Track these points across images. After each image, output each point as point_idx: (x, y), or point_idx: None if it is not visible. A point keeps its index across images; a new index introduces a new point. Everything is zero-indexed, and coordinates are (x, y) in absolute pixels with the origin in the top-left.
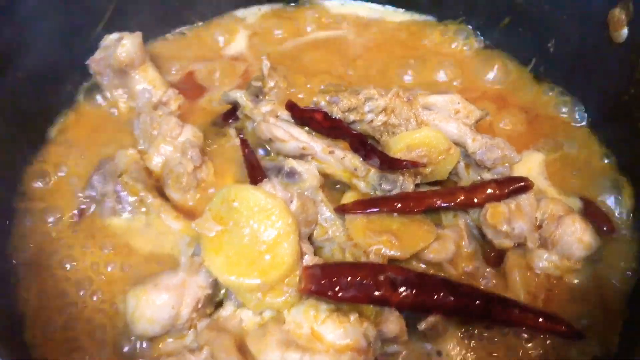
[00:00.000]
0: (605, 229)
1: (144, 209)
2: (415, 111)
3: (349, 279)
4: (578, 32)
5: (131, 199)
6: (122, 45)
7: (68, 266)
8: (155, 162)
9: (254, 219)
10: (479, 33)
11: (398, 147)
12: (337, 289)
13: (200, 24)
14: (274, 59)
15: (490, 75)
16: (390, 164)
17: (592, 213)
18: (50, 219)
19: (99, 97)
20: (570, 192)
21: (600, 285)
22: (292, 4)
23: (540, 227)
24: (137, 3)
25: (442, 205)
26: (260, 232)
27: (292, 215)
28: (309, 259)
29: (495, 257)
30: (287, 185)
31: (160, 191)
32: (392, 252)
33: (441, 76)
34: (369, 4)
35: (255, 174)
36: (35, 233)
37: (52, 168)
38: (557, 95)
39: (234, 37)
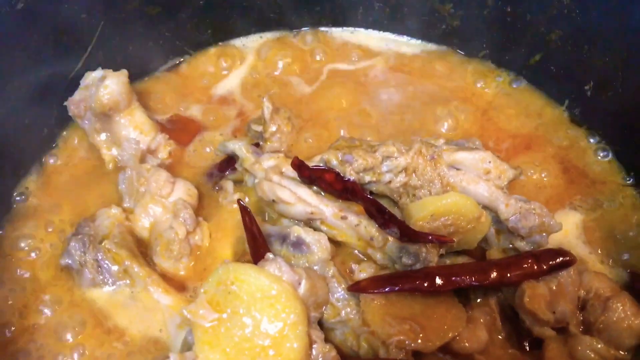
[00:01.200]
0: None
1: (128, 281)
2: (439, 171)
3: None
4: (622, 77)
5: (114, 268)
6: (105, 86)
7: (38, 350)
8: (143, 223)
9: (255, 307)
10: (504, 69)
11: (421, 214)
12: None
13: (193, 55)
14: (277, 98)
15: (518, 116)
16: (412, 238)
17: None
18: (20, 287)
19: (78, 143)
20: (613, 260)
21: None
22: (296, 31)
23: (583, 308)
24: (123, 34)
25: (473, 283)
26: (263, 322)
27: (300, 302)
28: (318, 349)
29: (531, 341)
30: (294, 257)
31: (147, 258)
32: (415, 345)
33: (462, 116)
34: (381, 33)
35: (258, 246)
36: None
37: (24, 227)
38: (595, 144)
39: (232, 71)
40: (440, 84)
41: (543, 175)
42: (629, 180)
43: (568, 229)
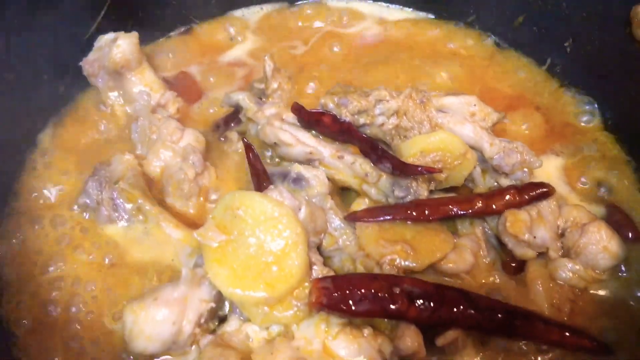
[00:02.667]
0: (630, 235)
1: (141, 217)
2: (428, 113)
3: (362, 291)
4: (597, 31)
5: (128, 206)
6: (118, 45)
7: (60, 276)
8: (154, 167)
9: (260, 228)
10: (490, 32)
11: (411, 151)
12: (350, 302)
13: (198, 24)
14: (277, 61)
15: (504, 76)
16: (403, 170)
17: (616, 219)
18: (41, 226)
19: (93, 100)
20: (592, 198)
21: (627, 297)
22: (297, 3)
23: (562, 235)
24: (132, 2)
25: (459, 213)
26: (267, 242)
27: (300, 224)
28: (318, 270)
29: (515, 267)
30: (294, 192)
31: (159, 199)
32: (407, 263)
33: (451, 77)
34: (373, 2)
35: (261, 180)
36: (25, 240)
37: (44, 173)
38: (575, 97)
39: (234, 38)
40: (429, 47)
41: (525, 126)
42: (607, 127)
43: (550, 172)
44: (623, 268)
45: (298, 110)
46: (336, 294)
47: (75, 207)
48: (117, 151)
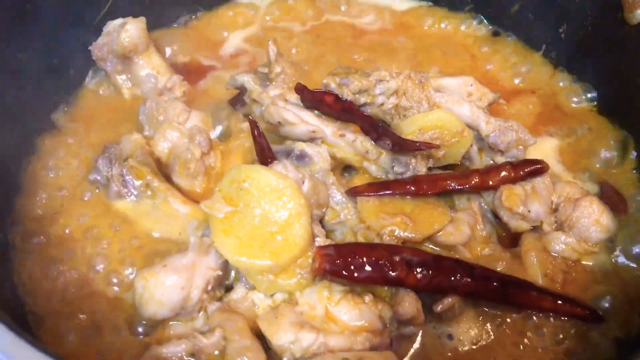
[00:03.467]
0: (621, 210)
1: (150, 193)
2: (427, 93)
3: (363, 259)
4: (590, 16)
5: (137, 182)
6: (126, 30)
7: (73, 248)
8: (161, 147)
9: (264, 200)
10: (488, 20)
11: (410, 129)
12: (352, 268)
13: (204, 12)
14: (280, 47)
15: (500, 62)
16: (402, 146)
17: (608, 196)
18: (52, 204)
19: (102, 84)
20: (585, 176)
21: (618, 267)
22: None
23: (556, 210)
24: None
25: (457, 187)
26: (272, 213)
27: (303, 196)
28: (321, 242)
29: (510, 241)
30: (298, 167)
31: (166, 177)
32: (406, 234)
33: (449, 62)
34: None
35: (265, 155)
36: (39, 216)
37: (55, 153)
38: (570, 81)
39: (240, 27)
40: (427, 34)
41: (521, 109)
42: (600, 109)
43: (545, 151)
44: (614, 241)
45: (301, 90)
46: (339, 261)
47: (87, 183)
48: (124, 132)
